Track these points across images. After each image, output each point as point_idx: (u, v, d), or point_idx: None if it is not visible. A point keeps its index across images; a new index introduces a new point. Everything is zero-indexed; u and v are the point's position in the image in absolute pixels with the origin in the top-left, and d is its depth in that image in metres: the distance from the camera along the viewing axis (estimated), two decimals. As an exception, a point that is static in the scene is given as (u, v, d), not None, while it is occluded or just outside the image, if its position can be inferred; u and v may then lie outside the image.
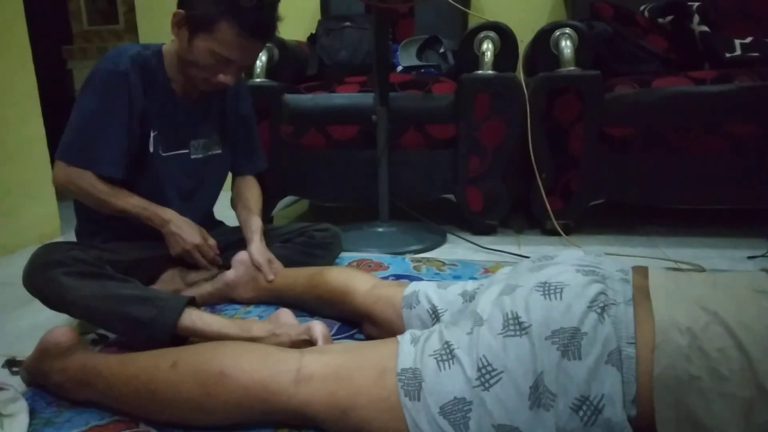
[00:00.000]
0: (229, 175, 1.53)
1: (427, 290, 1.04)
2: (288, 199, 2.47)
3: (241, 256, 1.37)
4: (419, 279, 1.46)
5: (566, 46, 1.79)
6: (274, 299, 1.34)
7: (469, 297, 0.96)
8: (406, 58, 2.16)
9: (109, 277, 1.12)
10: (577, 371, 0.68)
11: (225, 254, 1.38)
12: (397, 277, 1.52)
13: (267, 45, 1.99)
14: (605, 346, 0.68)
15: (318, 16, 2.51)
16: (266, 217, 2.07)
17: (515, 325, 0.73)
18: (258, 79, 1.99)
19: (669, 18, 2.01)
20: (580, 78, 1.78)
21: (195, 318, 1.07)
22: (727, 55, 1.86)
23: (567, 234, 1.85)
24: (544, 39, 1.83)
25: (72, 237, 1.37)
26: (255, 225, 1.40)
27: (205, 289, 1.35)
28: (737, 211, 2.13)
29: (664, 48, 1.96)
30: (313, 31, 2.31)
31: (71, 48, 3.32)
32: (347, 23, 2.19)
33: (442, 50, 2.15)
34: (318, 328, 1.03)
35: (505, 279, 0.84)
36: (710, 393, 0.64)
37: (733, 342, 0.65)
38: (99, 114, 1.19)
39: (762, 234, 1.85)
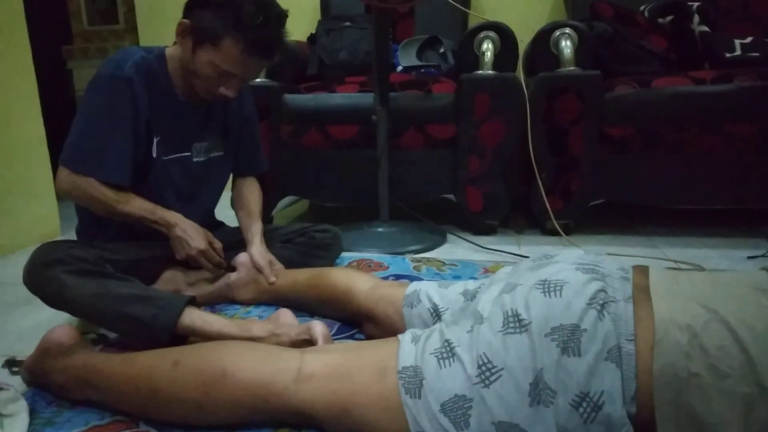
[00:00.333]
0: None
1: (428, 289, 1.04)
2: (288, 199, 2.47)
3: (242, 257, 1.37)
4: (419, 279, 1.46)
5: (566, 46, 1.79)
6: (274, 300, 1.34)
7: (471, 296, 0.96)
8: (406, 58, 2.16)
9: (110, 276, 1.12)
10: (576, 368, 0.68)
11: (226, 255, 1.38)
12: (397, 277, 1.52)
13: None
14: (605, 343, 0.68)
15: (318, 16, 2.52)
16: (266, 217, 2.07)
17: (515, 323, 0.73)
18: (258, 79, 1.99)
19: (669, 18, 2.02)
20: (580, 78, 1.78)
21: (195, 317, 1.07)
22: (727, 55, 1.86)
23: (567, 234, 1.85)
24: (544, 39, 1.83)
25: (72, 237, 1.37)
26: (255, 227, 1.40)
27: (206, 289, 1.35)
28: (737, 211, 2.13)
29: (664, 48, 1.96)
30: (313, 31, 2.31)
31: (71, 48, 3.32)
32: (347, 23, 2.19)
33: (442, 50, 2.16)
34: (318, 328, 1.03)
35: (506, 278, 0.84)
36: (710, 390, 0.64)
37: (733, 339, 0.65)
38: (104, 121, 1.18)
39: (762, 234, 1.85)
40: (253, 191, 1.50)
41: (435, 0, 2.23)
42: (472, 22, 2.30)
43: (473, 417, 0.71)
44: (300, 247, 1.47)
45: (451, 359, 0.75)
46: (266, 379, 0.81)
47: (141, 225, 1.23)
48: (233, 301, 1.37)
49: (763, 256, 1.65)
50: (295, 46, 2.17)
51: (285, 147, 2.01)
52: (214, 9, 1.14)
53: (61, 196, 1.22)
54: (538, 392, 0.69)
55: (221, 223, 1.55)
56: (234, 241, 1.42)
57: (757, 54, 1.84)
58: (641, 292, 0.74)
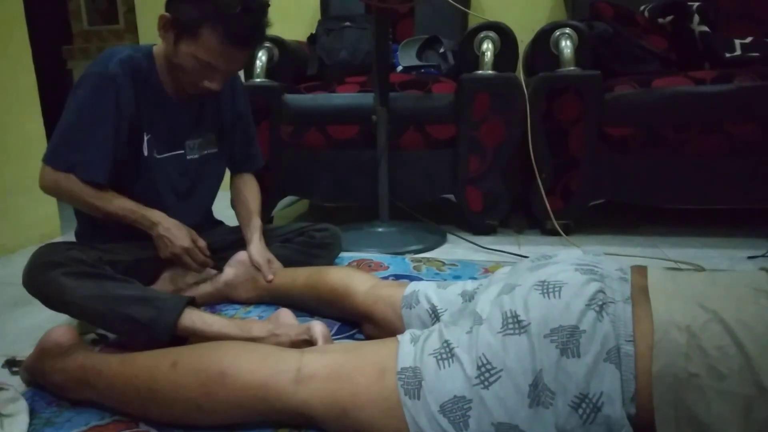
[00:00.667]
0: (227, 174, 1.53)
1: (426, 290, 1.04)
2: (288, 199, 2.47)
3: (240, 256, 1.37)
4: (419, 279, 1.46)
5: (566, 46, 1.79)
6: (273, 299, 1.34)
7: (469, 297, 0.96)
8: (406, 58, 2.16)
9: (109, 277, 1.12)
10: (576, 369, 0.68)
11: (224, 254, 1.39)
12: (397, 277, 1.52)
13: (267, 45, 1.99)
14: (604, 344, 0.68)
15: (318, 16, 2.52)
16: (266, 217, 2.07)
17: (514, 324, 0.73)
18: (258, 79, 1.99)
19: (669, 18, 2.01)
20: (580, 78, 1.78)
21: (195, 318, 1.07)
22: (727, 55, 1.86)
23: (567, 234, 1.85)
24: (544, 39, 1.83)
25: (72, 237, 1.37)
26: (254, 225, 1.40)
27: (205, 289, 1.35)
28: (737, 211, 2.13)
29: (664, 48, 1.96)
30: (313, 31, 2.31)
31: (71, 48, 3.33)
32: (347, 23, 2.19)
33: (442, 50, 2.16)
34: (318, 328, 1.03)
35: (505, 278, 0.84)
36: (709, 391, 0.64)
37: (732, 340, 0.65)
38: (86, 119, 1.18)
39: (762, 234, 1.85)
40: (251, 189, 1.50)
41: (435, 0, 2.23)
42: (472, 22, 2.30)
43: (472, 418, 0.71)
44: (299, 247, 1.47)
45: (450, 360, 0.75)
46: (266, 379, 0.81)
47: (125, 224, 1.23)
48: (232, 301, 1.37)
49: (763, 256, 1.65)
50: (295, 46, 2.17)
51: (285, 147, 2.01)
52: (193, 1, 1.14)
53: (46, 193, 1.22)
54: (538, 393, 0.69)
55: (220, 222, 1.55)
56: (233, 239, 1.43)
57: (757, 54, 1.84)
58: (640, 292, 0.74)
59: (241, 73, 1.69)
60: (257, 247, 1.36)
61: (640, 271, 0.80)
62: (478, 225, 1.97)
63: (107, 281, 1.10)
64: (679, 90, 1.74)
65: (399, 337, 0.84)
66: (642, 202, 1.90)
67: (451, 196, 2.01)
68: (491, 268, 1.57)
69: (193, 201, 1.39)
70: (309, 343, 1.01)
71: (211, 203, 1.49)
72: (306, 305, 1.28)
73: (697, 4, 1.98)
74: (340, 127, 1.95)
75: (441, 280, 1.20)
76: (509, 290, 0.78)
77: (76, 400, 0.94)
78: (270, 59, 2.01)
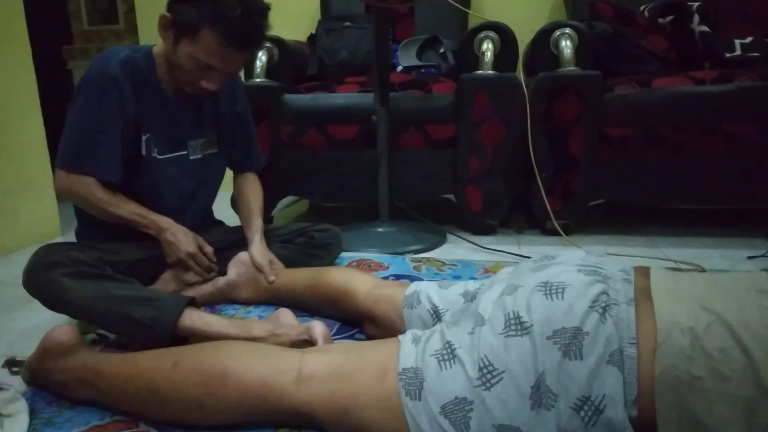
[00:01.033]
0: (229, 174, 1.53)
1: (428, 290, 1.04)
2: (288, 199, 2.47)
3: (242, 256, 1.37)
4: (419, 279, 1.46)
5: (566, 46, 1.79)
6: (274, 299, 1.34)
7: (471, 297, 0.96)
8: (406, 58, 2.16)
9: (109, 277, 1.12)
10: (578, 371, 0.68)
11: (224, 254, 1.39)
12: (397, 277, 1.52)
13: (267, 45, 1.99)
14: (607, 347, 0.68)
15: (318, 16, 2.51)
16: (266, 217, 2.07)
17: (517, 325, 0.73)
18: (258, 79, 1.99)
19: (669, 18, 2.01)
20: (580, 78, 1.78)
21: (195, 318, 1.07)
22: (727, 55, 1.86)
23: (567, 234, 1.85)
24: (544, 39, 1.83)
25: (72, 237, 1.37)
26: (256, 225, 1.40)
27: (205, 289, 1.35)
28: (737, 211, 2.13)
29: (664, 48, 1.96)
30: (313, 31, 2.31)
31: (71, 48, 3.32)
32: (347, 23, 2.19)
33: (442, 50, 2.15)
34: (318, 328, 1.03)
35: (507, 279, 0.84)
36: (712, 393, 0.64)
37: (735, 342, 0.65)
38: (94, 119, 1.19)
39: (762, 234, 1.85)
40: (253, 189, 1.50)
41: (435, 0, 2.23)
42: (472, 22, 2.30)
43: (474, 419, 0.71)
44: (300, 247, 1.47)
45: (451, 361, 0.75)
46: (266, 379, 0.81)
47: (134, 228, 1.24)
48: (233, 301, 1.37)
49: (763, 256, 1.65)
50: (295, 46, 2.16)
51: (285, 147, 2.01)
52: (193, 1, 1.14)
53: (61, 198, 1.23)
54: (540, 395, 0.69)
55: (220, 222, 1.55)
56: (233, 240, 1.43)
57: (757, 54, 1.84)
58: (643, 293, 0.74)
59: (241, 73, 1.69)
60: (258, 248, 1.36)
61: (642, 272, 0.80)
62: (478, 225, 1.97)
63: (107, 281, 1.10)
64: (679, 90, 1.74)
65: (400, 337, 0.84)
66: (642, 202, 1.90)
67: (451, 196, 2.01)
68: (491, 268, 1.57)
69: (195, 202, 1.39)
70: (309, 343, 1.01)
71: (212, 203, 1.49)
72: (306, 305, 1.28)
73: (697, 4, 1.98)
74: (340, 127, 1.95)
75: (441, 280, 1.20)
76: (512, 291, 0.77)
77: (76, 400, 0.94)
78: (270, 59, 2.01)
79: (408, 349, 0.79)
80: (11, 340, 1.25)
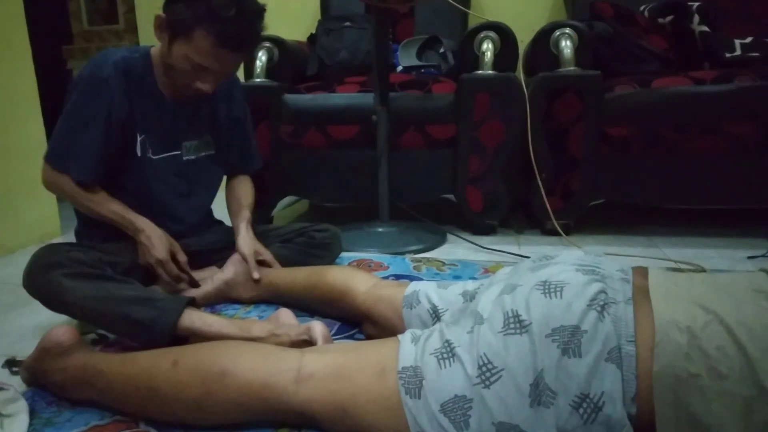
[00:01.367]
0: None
1: (427, 290, 1.04)
2: (288, 199, 2.47)
3: (237, 255, 1.37)
4: (419, 279, 1.46)
5: (566, 46, 1.79)
6: (274, 299, 1.34)
7: (470, 297, 0.96)
8: (406, 58, 2.16)
9: (109, 278, 1.12)
10: (577, 369, 0.68)
11: (223, 254, 1.39)
12: (397, 277, 1.52)
13: (267, 45, 1.99)
14: (605, 344, 0.68)
15: (318, 16, 2.52)
16: (266, 217, 2.07)
17: (516, 324, 0.73)
18: (258, 79, 1.99)
19: (669, 18, 2.02)
20: (580, 78, 1.78)
21: (195, 318, 1.07)
22: (727, 55, 1.86)
23: (567, 234, 1.85)
24: (544, 39, 1.83)
25: (72, 237, 1.37)
26: (242, 216, 1.41)
27: (205, 289, 1.35)
28: (737, 211, 2.13)
29: (664, 48, 1.96)
30: (313, 31, 2.31)
31: (71, 48, 3.33)
32: (347, 23, 2.19)
33: (442, 50, 2.16)
34: (318, 328, 1.03)
35: (506, 279, 0.84)
36: (709, 391, 0.64)
37: (733, 341, 0.65)
38: (77, 121, 1.20)
39: (762, 234, 1.85)
40: (244, 185, 1.50)
41: (435, 0, 2.23)
42: (472, 22, 2.30)
43: (473, 417, 0.71)
44: (299, 247, 1.47)
45: (451, 359, 0.75)
46: (266, 379, 0.81)
47: (115, 226, 1.25)
48: (233, 301, 1.37)
49: (763, 256, 1.65)
50: (295, 46, 2.17)
51: (285, 147, 2.01)
52: (187, 2, 1.14)
53: (48, 190, 1.29)
54: (539, 393, 0.69)
55: (220, 222, 1.55)
56: (232, 240, 1.42)
57: (757, 54, 1.84)
58: (641, 293, 0.74)
59: (241, 74, 1.69)
60: (244, 239, 1.36)
61: (641, 272, 0.80)
62: (478, 225, 1.97)
63: (107, 282, 1.10)
64: (679, 90, 1.74)
65: (399, 336, 0.84)
66: (642, 202, 1.90)
67: (451, 196, 2.01)
68: (491, 268, 1.57)
69: (191, 201, 1.39)
70: (309, 343, 1.01)
71: (210, 204, 1.49)
72: (306, 305, 1.28)
73: (697, 4, 1.98)
74: (340, 127, 1.95)
75: (441, 280, 1.20)
76: (510, 290, 0.78)
77: (76, 400, 0.94)
78: (270, 59, 2.01)
79: (407, 348, 0.80)
80: (11, 340, 1.25)
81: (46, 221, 2.06)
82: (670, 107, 1.74)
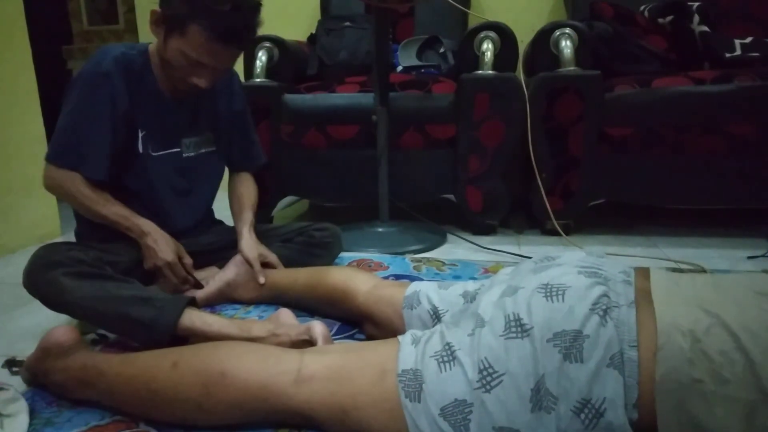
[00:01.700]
0: (228, 174, 1.53)
1: (428, 291, 1.04)
2: (288, 199, 2.47)
3: (240, 256, 1.36)
4: (419, 279, 1.46)
5: (566, 46, 1.79)
6: (274, 299, 1.34)
7: (470, 298, 0.96)
8: (406, 58, 2.16)
9: (109, 277, 1.12)
10: (578, 374, 0.68)
11: (224, 254, 1.39)
12: (397, 277, 1.52)
13: (267, 45, 1.99)
14: (607, 350, 0.68)
15: (318, 16, 2.51)
16: (266, 217, 2.07)
17: (517, 327, 0.72)
18: (258, 79, 1.99)
19: (669, 18, 2.01)
20: (580, 78, 1.78)
21: (195, 318, 1.07)
22: (727, 55, 1.86)
23: (567, 234, 1.85)
24: (544, 39, 1.83)
25: (72, 237, 1.37)
26: (245, 219, 1.40)
27: (206, 289, 1.35)
28: (737, 211, 2.13)
29: (664, 48, 1.96)
30: (313, 31, 2.31)
31: (71, 48, 3.33)
32: (347, 23, 2.19)
33: (442, 50, 2.15)
34: (318, 328, 1.02)
35: (507, 280, 0.84)
36: (712, 396, 0.64)
37: (736, 345, 0.65)
38: (82, 116, 1.19)
39: (762, 234, 1.85)
40: (246, 185, 1.50)
41: (435, 0, 2.23)
42: (472, 22, 2.30)
43: (473, 422, 0.71)
44: (300, 246, 1.47)
45: (451, 363, 0.74)
46: (266, 379, 0.81)
47: (117, 229, 1.23)
48: (233, 301, 1.37)
49: (763, 256, 1.65)
50: (295, 46, 2.16)
51: (285, 147, 2.01)
52: None
53: (49, 192, 1.26)
54: (540, 398, 0.69)
55: (220, 222, 1.55)
56: (233, 239, 1.42)
57: (757, 54, 1.83)
58: (643, 295, 0.74)
59: (241, 74, 1.69)
60: (248, 242, 1.36)
61: (643, 274, 0.79)
62: (478, 225, 1.97)
63: (107, 281, 1.10)
64: (679, 90, 1.74)
65: (400, 338, 0.84)
66: (642, 202, 1.90)
67: (451, 196, 2.01)
68: (491, 268, 1.57)
69: (191, 199, 1.39)
70: (309, 343, 1.01)
71: (211, 202, 1.49)
72: (307, 305, 1.28)
73: (697, 4, 1.98)
74: (340, 127, 1.95)
75: (441, 281, 1.20)
76: (512, 292, 0.77)
77: (76, 400, 0.94)
78: (270, 59, 2.01)
79: (407, 351, 0.79)
80: (11, 340, 1.24)
81: (46, 221, 2.06)
82: (670, 107, 1.74)
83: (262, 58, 1.99)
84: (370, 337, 1.13)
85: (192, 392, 0.82)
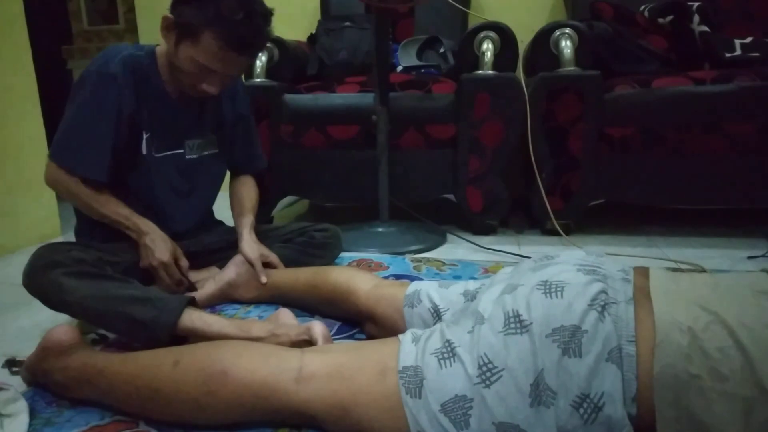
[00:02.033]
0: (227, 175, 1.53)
1: (428, 289, 1.04)
2: (288, 199, 2.47)
3: (240, 256, 1.36)
4: (419, 279, 1.46)
5: (566, 46, 1.79)
6: (274, 299, 1.34)
7: (471, 296, 0.96)
8: (406, 58, 2.16)
9: (109, 277, 1.12)
10: (577, 369, 0.68)
11: (224, 254, 1.39)
12: (398, 277, 1.52)
13: (267, 45, 1.99)
14: (606, 344, 0.68)
15: (318, 16, 2.51)
16: (266, 217, 2.07)
17: (516, 323, 0.73)
18: (258, 79, 1.99)
19: (669, 18, 2.01)
20: (580, 78, 1.78)
21: (195, 318, 1.07)
22: (727, 55, 1.86)
23: (567, 234, 1.85)
24: (544, 39, 1.83)
25: (72, 237, 1.37)
26: (245, 221, 1.40)
27: (206, 289, 1.35)
28: (737, 211, 2.13)
29: (664, 48, 1.96)
30: (313, 31, 2.31)
31: (71, 48, 3.33)
32: (347, 23, 2.19)
33: (442, 50, 2.16)
34: (318, 328, 1.02)
35: (507, 278, 0.84)
36: (710, 392, 0.64)
37: (734, 342, 0.65)
38: (87, 117, 1.19)
39: (762, 234, 1.85)
40: (247, 187, 1.50)
41: (435, 0, 2.23)
42: (472, 22, 2.30)
43: (473, 417, 0.71)
44: (300, 247, 1.47)
45: (451, 359, 0.75)
46: (267, 379, 0.81)
47: (116, 228, 1.24)
48: (234, 301, 1.37)
49: (763, 256, 1.65)
50: (295, 46, 2.16)
51: (285, 147, 2.01)
52: (195, 4, 1.14)
53: (50, 188, 1.26)
54: (539, 393, 0.69)
55: (220, 222, 1.55)
56: (233, 240, 1.42)
57: (757, 54, 1.84)
58: (642, 293, 0.74)
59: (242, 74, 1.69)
60: (248, 243, 1.36)
61: (641, 272, 0.80)
62: (478, 225, 1.97)
63: (107, 281, 1.10)
64: (679, 90, 1.74)
65: (400, 336, 0.84)
66: (642, 202, 1.90)
67: (451, 196, 2.01)
68: (491, 268, 1.57)
69: (192, 200, 1.39)
70: (309, 343, 1.01)
71: (212, 203, 1.49)
72: (307, 305, 1.29)
73: (697, 4, 1.98)
74: (340, 127, 1.95)
75: (441, 280, 1.20)
76: (511, 290, 0.78)
77: (76, 400, 0.94)
78: (270, 59, 2.01)
79: (408, 348, 0.80)
80: (11, 340, 1.25)
81: (46, 221, 2.06)
82: (670, 107, 1.75)
83: (262, 58, 1.99)
84: (370, 337, 1.13)
85: (193, 390, 0.82)
